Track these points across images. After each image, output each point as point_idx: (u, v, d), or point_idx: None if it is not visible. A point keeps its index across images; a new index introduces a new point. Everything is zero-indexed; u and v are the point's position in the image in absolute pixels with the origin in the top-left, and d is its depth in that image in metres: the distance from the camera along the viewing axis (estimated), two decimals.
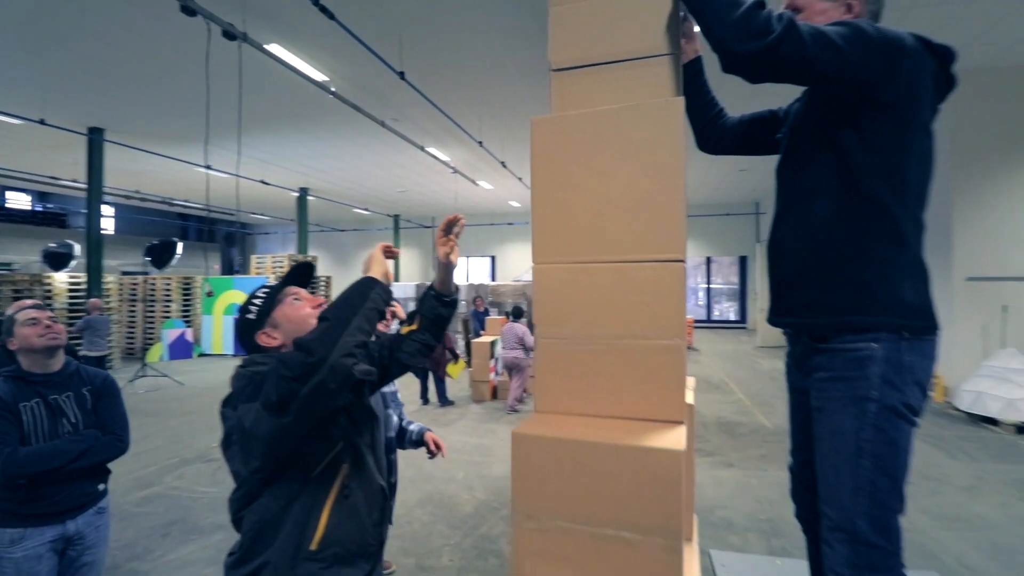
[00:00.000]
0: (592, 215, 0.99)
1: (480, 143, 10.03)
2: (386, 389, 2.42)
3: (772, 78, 0.99)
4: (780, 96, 1.36)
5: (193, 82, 7.38)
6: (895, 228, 1.02)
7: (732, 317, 19.66)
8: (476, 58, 6.86)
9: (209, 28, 5.19)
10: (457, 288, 1.43)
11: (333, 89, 7.36)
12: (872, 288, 1.01)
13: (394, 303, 3.18)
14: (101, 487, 2.03)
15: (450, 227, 1.37)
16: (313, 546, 1.15)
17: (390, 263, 1.26)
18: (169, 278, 13.27)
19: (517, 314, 7.57)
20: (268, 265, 14.42)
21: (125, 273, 15.51)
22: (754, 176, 14.10)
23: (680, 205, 0.94)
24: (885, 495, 0.98)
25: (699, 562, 0.90)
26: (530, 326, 7.78)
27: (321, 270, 20.69)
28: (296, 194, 16.09)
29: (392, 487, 2.31)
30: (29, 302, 2.01)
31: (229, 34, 5.40)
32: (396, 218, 21.84)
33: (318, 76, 7.26)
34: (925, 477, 4.63)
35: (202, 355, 12.98)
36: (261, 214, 20.28)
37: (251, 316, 1.32)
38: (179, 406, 7.50)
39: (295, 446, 1.10)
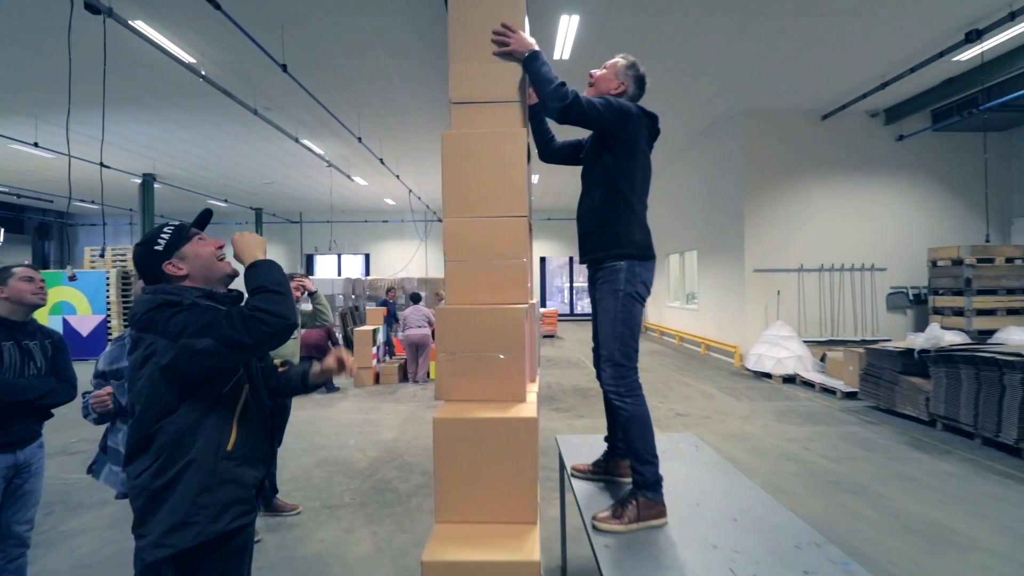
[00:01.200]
0: (477, 190, 1.71)
1: (359, 139, 10.24)
2: None
3: (568, 123, 1.84)
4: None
5: (14, 46, 6.62)
6: (631, 205, 1.92)
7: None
8: (358, 57, 7.21)
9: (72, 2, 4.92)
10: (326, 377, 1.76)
11: (203, 73, 7.15)
12: (620, 236, 1.90)
13: (304, 278, 3.59)
14: (42, 426, 2.26)
15: (341, 366, 1.70)
16: (229, 447, 1.44)
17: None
18: None
19: (416, 299, 8.15)
20: (108, 259, 12.82)
21: None
22: None
23: (521, 186, 1.73)
24: (628, 339, 1.84)
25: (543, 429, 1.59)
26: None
27: None
28: (138, 180, 14.43)
29: None
30: (28, 263, 2.22)
31: (92, 7, 5.15)
32: (259, 212, 20.53)
33: (186, 58, 7.00)
34: (717, 412, 6.17)
35: None
36: (91, 202, 17.69)
37: (159, 248, 1.50)
38: None
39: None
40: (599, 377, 1.99)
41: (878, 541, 3.16)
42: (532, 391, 1.69)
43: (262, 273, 1.45)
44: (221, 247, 1.61)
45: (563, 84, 1.75)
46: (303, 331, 4.89)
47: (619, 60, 2.04)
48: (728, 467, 2.36)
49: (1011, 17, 6.03)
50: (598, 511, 1.78)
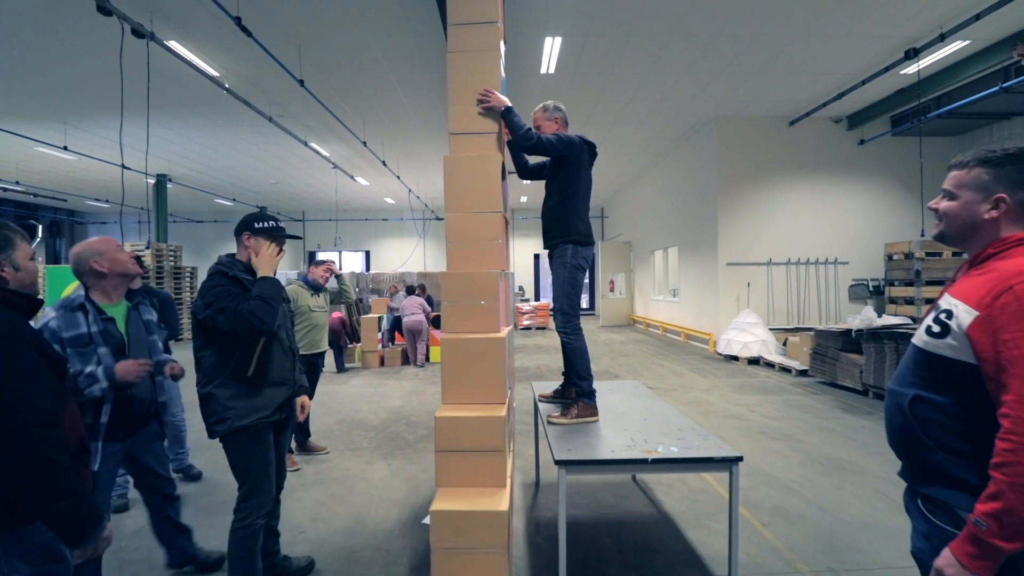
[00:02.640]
0: (468, 194, 2.54)
1: (364, 143, 11.04)
2: (150, 317, 2.43)
3: (534, 154, 2.67)
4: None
5: (49, 57, 7.36)
6: (576, 208, 2.75)
7: (583, 305, 22.80)
8: (365, 70, 8.01)
9: (123, 27, 5.71)
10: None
11: (227, 85, 7.95)
12: (568, 228, 2.73)
13: (331, 261, 4.41)
14: None
15: None
16: (249, 374, 2.05)
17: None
18: None
19: (411, 291, 9.13)
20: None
21: None
22: (597, 184, 16.83)
23: (497, 191, 2.54)
24: (572, 296, 2.67)
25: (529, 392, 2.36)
26: (428, 301, 9.46)
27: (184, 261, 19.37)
28: (153, 180, 15.20)
29: (163, 405, 2.40)
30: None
31: (138, 32, 5.94)
32: (263, 210, 21.27)
33: (212, 72, 7.78)
34: (683, 386, 7.02)
35: None
36: (105, 201, 18.43)
37: (256, 226, 2.13)
38: None
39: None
40: (555, 325, 2.83)
41: (786, 468, 4.01)
42: (505, 329, 2.52)
43: (266, 287, 2.07)
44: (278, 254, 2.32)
45: (529, 129, 2.59)
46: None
47: (537, 112, 2.89)
48: (655, 398, 3.20)
49: (942, 38, 6.88)
50: (552, 413, 2.62)
